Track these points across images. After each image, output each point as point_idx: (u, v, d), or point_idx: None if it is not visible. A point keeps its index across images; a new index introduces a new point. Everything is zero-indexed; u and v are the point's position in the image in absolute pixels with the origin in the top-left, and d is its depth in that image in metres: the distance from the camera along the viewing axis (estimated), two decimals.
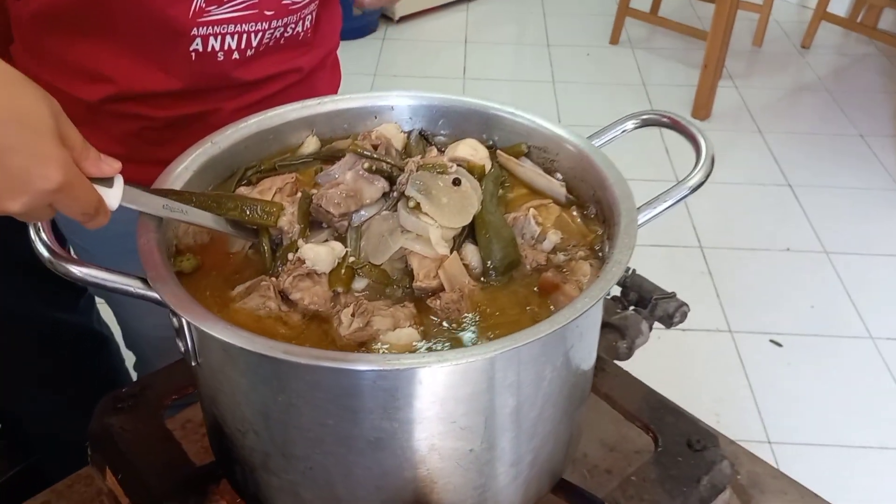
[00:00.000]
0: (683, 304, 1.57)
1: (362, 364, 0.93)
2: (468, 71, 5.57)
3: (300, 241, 1.12)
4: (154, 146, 1.55)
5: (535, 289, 1.15)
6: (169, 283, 1.04)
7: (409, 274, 1.10)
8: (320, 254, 1.08)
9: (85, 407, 1.49)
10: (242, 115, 1.39)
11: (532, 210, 1.25)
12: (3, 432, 2.59)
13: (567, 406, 1.17)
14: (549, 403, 1.11)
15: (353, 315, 1.04)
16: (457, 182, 1.13)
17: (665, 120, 1.28)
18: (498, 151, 1.38)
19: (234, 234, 1.15)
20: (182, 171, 1.26)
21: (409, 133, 1.45)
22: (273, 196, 1.25)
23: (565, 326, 0.98)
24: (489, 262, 1.16)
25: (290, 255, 1.10)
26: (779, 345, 3.67)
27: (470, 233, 1.19)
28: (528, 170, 1.36)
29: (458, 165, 1.25)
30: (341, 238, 1.16)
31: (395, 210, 1.15)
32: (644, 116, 1.32)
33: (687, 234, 4.24)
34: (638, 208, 1.19)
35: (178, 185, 1.23)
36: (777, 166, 4.74)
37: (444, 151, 1.39)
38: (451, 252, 1.11)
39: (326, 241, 1.17)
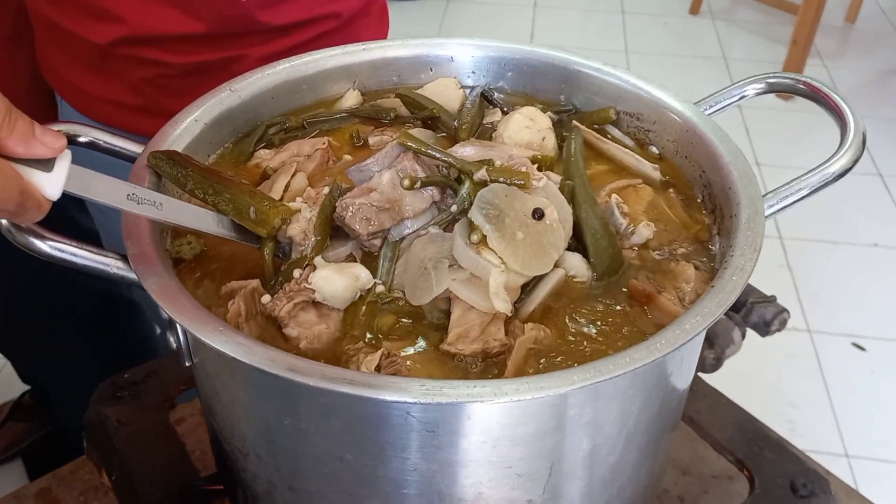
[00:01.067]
0: (783, 309, 1.30)
1: (392, 393, 0.68)
2: (535, 37, 5.28)
3: (317, 259, 0.86)
4: (172, 97, 1.35)
5: (625, 300, 0.88)
6: (155, 264, 0.81)
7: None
8: (336, 285, 0.82)
9: (111, 376, 1.32)
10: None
11: (615, 196, 0.98)
12: (33, 395, 2.51)
13: (654, 444, 0.91)
14: (633, 444, 0.86)
15: (377, 369, 0.78)
16: (538, 214, 0.84)
17: (800, 87, 1.00)
18: (574, 123, 1.11)
19: (229, 236, 0.90)
20: (191, 123, 1.03)
21: (471, 90, 1.19)
22: (298, 166, 1.01)
23: (667, 356, 0.72)
24: (602, 266, 0.90)
25: (297, 273, 0.85)
26: (862, 349, 3.39)
27: None
28: (610, 145, 1.09)
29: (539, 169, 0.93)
30: (370, 256, 0.90)
31: (448, 230, 0.88)
32: (771, 80, 1.04)
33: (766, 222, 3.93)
34: (764, 195, 0.91)
35: (184, 141, 1.00)
36: (867, 154, 4.38)
37: (508, 112, 1.13)
38: (511, 312, 0.83)
39: (350, 256, 0.88)
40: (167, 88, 1.35)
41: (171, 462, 1.17)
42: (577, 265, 0.88)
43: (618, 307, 0.87)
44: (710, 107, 1.08)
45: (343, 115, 1.15)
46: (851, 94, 5.00)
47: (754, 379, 3.04)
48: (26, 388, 2.53)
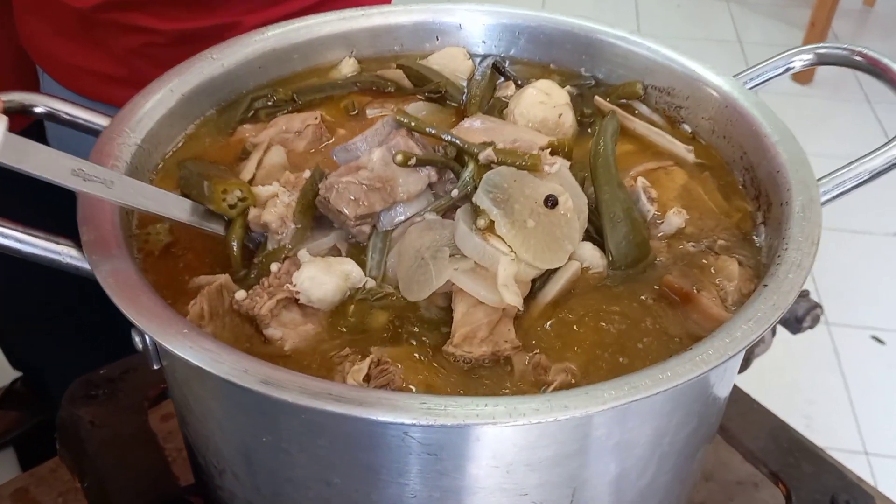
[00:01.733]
0: (816, 305, 1.19)
1: (387, 412, 0.56)
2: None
3: (301, 253, 0.75)
4: (161, 68, 1.23)
5: (651, 297, 0.77)
6: (113, 253, 0.70)
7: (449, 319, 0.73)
8: (324, 287, 0.71)
9: (109, 363, 1.24)
10: None
11: (642, 180, 0.86)
12: (25, 382, 2.42)
13: (689, 462, 0.80)
14: (667, 465, 0.75)
15: (366, 379, 0.66)
16: (551, 202, 0.74)
17: (856, 58, 0.88)
18: (597, 99, 0.99)
19: (191, 221, 0.80)
20: (166, 94, 0.91)
21: (481, 61, 1.07)
22: (287, 143, 0.89)
23: (713, 369, 0.60)
24: (621, 255, 0.79)
25: (275, 267, 0.74)
26: (881, 342, 3.28)
27: None
28: (636, 123, 0.97)
29: (552, 153, 0.81)
30: (356, 249, 0.79)
31: (447, 216, 0.78)
32: (821, 51, 0.92)
33: None
34: (819, 180, 0.80)
35: (157, 113, 0.89)
36: (886, 140, 4.25)
37: (522, 86, 1.01)
38: (521, 307, 0.73)
39: (333, 249, 0.77)
40: (156, 59, 1.24)
41: (149, 470, 1.06)
42: (589, 255, 0.78)
43: (636, 304, 0.76)
44: (751, 80, 0.96)
45: (338, 85, 1.02)
46: (871, 78, 4.85)
47: (770, 373, 2.93)
48: (17, 374, 2.43)
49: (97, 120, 0.86)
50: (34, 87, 1.45)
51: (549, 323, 0.74)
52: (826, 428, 2.96)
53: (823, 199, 0.79)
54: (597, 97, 1.01)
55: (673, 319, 0.75)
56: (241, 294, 0.72)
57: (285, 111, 0.98)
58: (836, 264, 3.71)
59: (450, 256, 0.72)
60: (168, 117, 0.89)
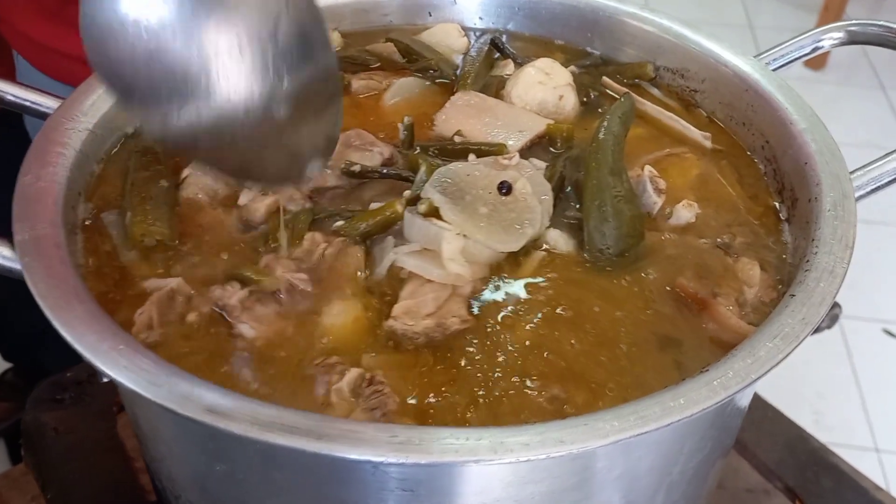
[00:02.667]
0: (835, 304, 1.10)
1: (350, 448, 0.48)
2: None
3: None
4: None
5: (660, 298, 0.68)
6: (50, 253, 0.61)
7: None
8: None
9: None
10: None
11: (649, 168, 0.77)
12: (16, 373, 2.36)
13: (702, 487, 0.71)
14: (676, 494, 0.66)
15: (351, 395, 0.58)
16: (505, 189, 0.72)
17: (892, 36, 0.78)
18: (605, 80, 0.91)
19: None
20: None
21: (479, 37, 0.98)
22: None
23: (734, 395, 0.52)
24: (598, 249, 0.71)
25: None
26: (894, 335, 3.20)
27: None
28: (647, 106, 0.88)
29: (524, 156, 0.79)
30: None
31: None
32: (853, 28, 0.82)
33: None
34: (851, 173, 0.71)
35: (97, 113, 0.79)
36: None
37: (522, 64, 0.92)
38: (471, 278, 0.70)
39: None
40: None
41: (115, 482, 0.98)
42: (554, 239, 0.74)
43: (642, 304, 0.68)
44: (774, 61, 0.87)
45: None
46: (885, 64, 4.75)
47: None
48: (8, 366, 2.37)
49: (45, 101, 0.78)
50: (10, 72, 1.38)
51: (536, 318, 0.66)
52: (836, 424, 2.90)
53: (857, 194, 0.70)
54: (605, 78, 0.92)
55: (684, 325, 0.66)
56: (216, 290, 0.64)
57: None
58: None
59: (395, 246, 0.71)
60: (107, 118, 0.80)
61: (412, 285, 0.68)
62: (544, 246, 0.73)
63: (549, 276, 0.70)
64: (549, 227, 0.74)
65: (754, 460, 1.05)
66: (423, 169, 0.75)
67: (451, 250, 0.68)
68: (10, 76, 1.38)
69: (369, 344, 0.64)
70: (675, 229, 0.76)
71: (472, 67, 0.93)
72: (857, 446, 2.81)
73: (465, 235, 0.69)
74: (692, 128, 0.86)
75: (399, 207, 0.71)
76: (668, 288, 0.69)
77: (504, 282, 0.70)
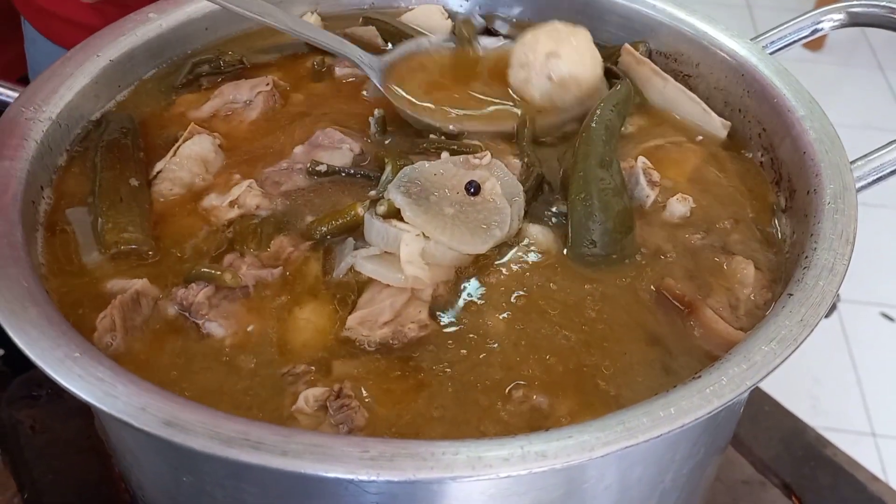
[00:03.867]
0: None
1: (318, 464, 0.45)
2: None
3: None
4: None
5: (649, 300, 0.65)
6: (4, 252, 0.57)
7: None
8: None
9: None
10: None
11: (642, 160, 0.73)
12: (6, 361, 2.32)
13: (695, 490, 0.68)
14: (669, 500, 0.63)
15: (318, 409, 0.55)
16: (473, 189, 0.69)
17: (894, 17, 0.74)
18: (626, 47, 0.88)
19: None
20: (91, 61, 0.78)
21: (459, 23, 0.94)
22: (235, 115, 0.77)
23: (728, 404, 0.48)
24: (582, 246, 0.67)
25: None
26: (891, 319, 3.16)
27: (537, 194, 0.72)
28: (669, 83, 0.84)
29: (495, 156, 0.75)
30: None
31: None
32: (855, 9, 0.78)
33: None
34: (852, 163, 0.67)
35: (77, 83, 0.78)
36: None
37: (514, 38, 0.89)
38: (430, 281, 0.66)
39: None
40: (129, 8, 1.13)
41: (93, 482, 0.95)
42: (535, 234, 0.70)
43: (630, 305, 0.65)
44: (772, 44, 0.83)
45: (295, 44, 0.90)
46: (884, 44, 4.70)
47: None
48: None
49: (6, 91, 0.74)
50: (18, 38, 1.36)
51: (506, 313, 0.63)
52: (833, 408, 2.89)
53: (858, 185, 0.67)
54: (627, 45, 0.88)
55: (673, 328, 0.63)
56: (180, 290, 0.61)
57: (233, 76, 0.85)
58: None
59: (355, 248, 0.68)
60: (92, 86, 0.77)
61: (370, 291, 0.65)
62: (525, 241, 0.69)
63: (526, 275, 0.67)
64: (528, 223, 0.70)
65: (750, 456, 1.02)
66: (388, 168, 0.72)
67: (408, 252, 0.65)
68: (19, 42, 1.37)
69: (337, 349, 0.61)
70: (669, 224, 0.72)
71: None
72: (854, 431, 2.80)
73: (426, 237, 0.65)
74: (713, 114, 0.82)
75: (360, 210, 0.68)
76: (654, 289, 0.65)
77: (473, 283, 0.66)
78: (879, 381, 2.99)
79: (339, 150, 0.74)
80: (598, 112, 0.73)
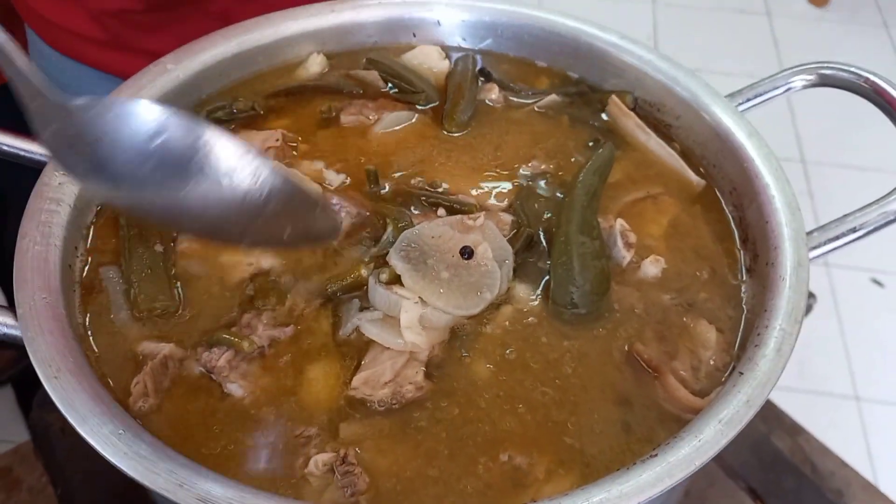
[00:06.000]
0: (809, 294, 1.15)
1: None
2: None
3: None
4: (141, 32, 1.18)
5: (620, 360, 0.73)
6: (51, 327, 0.65)
7: None
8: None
9: None
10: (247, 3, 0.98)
11: (621, 222, 0.81)
12: None
13: None
14: None
15: (327, 472, 0.63)
16: (466, 255, 0.75)
17: (863, 85, 0.80)
18: (613, 99, 0.93)
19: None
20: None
21: (457, 62, 0.99)
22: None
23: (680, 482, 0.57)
24: (563, 306, 0.75)
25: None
26: (881, 285, 3.23)
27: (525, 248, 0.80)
28: (651, 138, 0.90)
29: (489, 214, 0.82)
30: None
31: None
32: (825, 71, 0.84)
33: (788, 143, 3.67)
34: (809, 234, 0.74)
35: None
36: None
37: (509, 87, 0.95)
38: (427, 347, 0.73)
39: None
40: (134, 22, 1.17)
41: (119, 484, 1.04)
42: (521, 294, 0.78)
43: (601, 366, 0.72)
44: (747, 100, 0.89)
45: (304, 88, 0.96)
46: (891, 1, 4.64)
47: None
48: None
49: (39, 150, 0.80)
50: (22, 46, 1.39)
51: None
52: (818, 373, 2.94)
53: (813, 254, 0.74)
54: (613, 97, 0.94)
55: (639, 388, 0.71)
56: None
57: (245, 124, 0.91)
58: (842, 202, 3.61)
59: (360, 310, 0.74)
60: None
61: (373, 352, 0.71)
62: (513, 300, 0.76)
63: (512, 332, 0.74)
64: (517, 282, 0.77)
65: (721, 462, 1.11)
66: (389, 229, 0.78)
67: (408, 319, 0.71)
68: (23, 46, 1.40)
69: (344, 410, 0.69)
70: (642, 284, 0.78)
71: (459, 93, 0.95)
72: (837, 394, 2.86)
73: (424, 302, 0.72)
74: (690, 171, 0.88)
75: (363, 272, 0.75)
76: (626, 349, 0.73)
77: (464, 341, 0.73)
78: (865, 345, 3.04)
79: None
80: (580, 178, 0.80)
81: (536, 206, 0.84)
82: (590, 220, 0.78)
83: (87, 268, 0.77)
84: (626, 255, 0.78)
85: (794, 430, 1.24)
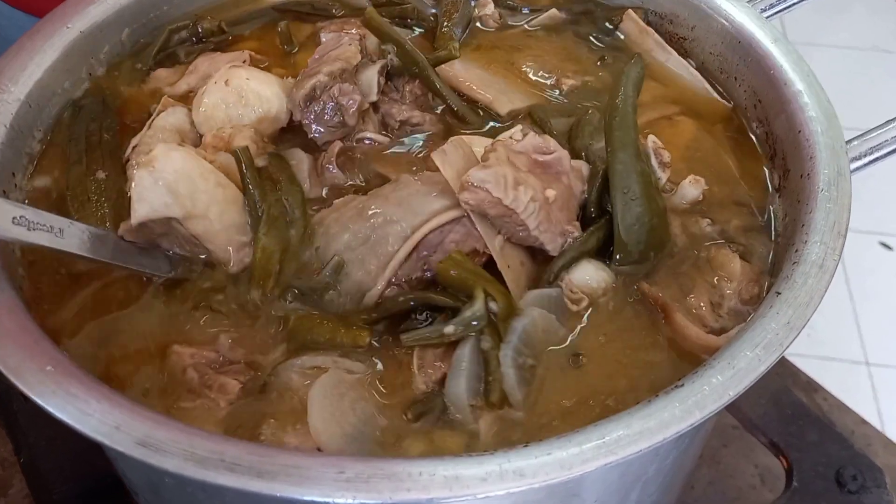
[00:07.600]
0: None
1: (294, 486, 0.45)
2: None
3: None
4: None
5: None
6: None
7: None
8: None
9: None
10: None
11: (653, 138, 0.69)
12: None
13: (678, 478, 0.69)
14: (650, 489, 0.63)
15: None
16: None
17: None
18: (629, 13, 0.85)
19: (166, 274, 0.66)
20: (60, 33, 0.75)
21: None
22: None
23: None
24: (621, 253, 0.64)
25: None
26: (889, 248, 3.15)
27: None
28: (672, 57, 0.82)
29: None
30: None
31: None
32: None
33: None
34: (848, 143, 0.65)
35: (47, 59, 0.73)
36: None
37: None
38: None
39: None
40: None
41: (86, 450, 0.95)
42: (592, 274, 0.63)
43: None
44: (770, 7, 0.79)
45: (277, 8, 0.87)
46: None
47: None
48: None
49: None
50: None
51: None
52: (828, 338, 2.90)
53: (853, 166, 0.65)
54: (630, 11, 0.84)
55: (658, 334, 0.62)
56: None
57: (211, 48, 0.82)
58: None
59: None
60: (63, 61, 0.74)
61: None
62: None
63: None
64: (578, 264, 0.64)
65: (739, 415, 1.03)
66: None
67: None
68: None
69: None
70: (679, 209, 0.68)
71: (453, 10, 0.85)
72: (847, 360, 2.83)
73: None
74: (711, 89, 0.79)
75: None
76: (635, 288, 0.63)
77: None
78: (875, 310, 3.00)
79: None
80: (622, 93, 0.66)
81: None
82: (639, 140, 0.66)
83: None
84: (661, 177, 0.67)
85: (811, 386, 1.16)
